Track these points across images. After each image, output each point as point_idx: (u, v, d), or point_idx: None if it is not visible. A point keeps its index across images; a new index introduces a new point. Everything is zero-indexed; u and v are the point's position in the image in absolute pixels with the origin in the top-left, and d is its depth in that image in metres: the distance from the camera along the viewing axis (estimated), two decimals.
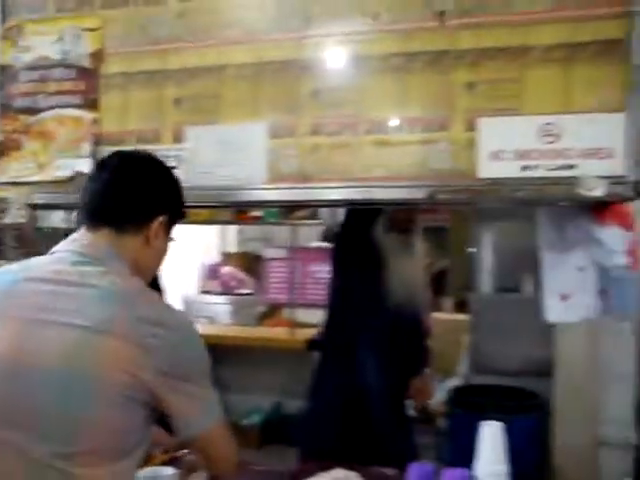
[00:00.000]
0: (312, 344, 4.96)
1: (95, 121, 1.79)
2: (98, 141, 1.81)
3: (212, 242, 7.42)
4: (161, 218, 1.33)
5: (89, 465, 1.17)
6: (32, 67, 1.85)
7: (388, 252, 2.40)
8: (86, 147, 1.81)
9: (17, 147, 1.86)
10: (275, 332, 5.38)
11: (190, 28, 1.73)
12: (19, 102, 1.87)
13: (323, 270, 6.57)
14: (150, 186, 1.35)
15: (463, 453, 1.65)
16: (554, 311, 1.86)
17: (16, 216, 1.86)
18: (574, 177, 1.52)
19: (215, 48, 1.73)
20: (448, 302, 5.57)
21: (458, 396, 2.75)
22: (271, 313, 6.60)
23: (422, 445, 3.29)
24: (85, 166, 1.81)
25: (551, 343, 2.66)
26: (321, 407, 2.50)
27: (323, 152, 1.65)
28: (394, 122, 1.61)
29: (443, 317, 5.40)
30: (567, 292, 1.85)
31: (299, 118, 1.66)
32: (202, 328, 5.44)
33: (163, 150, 1.74)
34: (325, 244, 6.88)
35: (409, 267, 2.41)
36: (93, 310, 1.20)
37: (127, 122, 1.77)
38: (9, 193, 1.87)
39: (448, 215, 5.00)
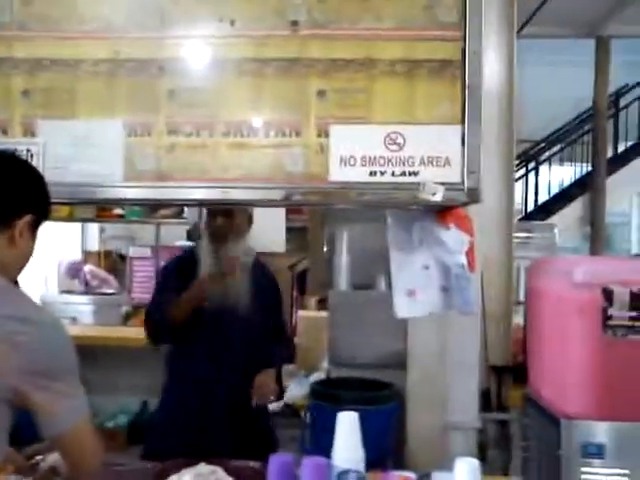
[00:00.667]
0: None
1: None
2: None
3: (73, 240, 7.12)
4: (27, 217, 1.31)
5: None
6: None
7: (209, 260, 2.45)
8: None
9: None
10: (138, 332, 5.25)
11: (40, 17, 1.67)
12: None
13: None
14: (15, 184, 1.33)
15: (324, 443, 1.72)
16: (402, 306, 1.98)
17: None
18: (416, 183, 1.64)
19: (70, 41, 1.68)
20: (312, 300, 5.73)
21: (319, 389, 2.85)
22: (136, 313, 6.45)
23: (288, 437, 3.38)
24: None
25: (404, 337, 2.83)
26: (174, 403, 2.51)
27: (180, 151, 1.66)
28: (250, 125, 1.66)
29: (308, 314, 5.56)
30: (413, 289, 1.98)
31: (156, 117, 1.66)
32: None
33: (12, 144, 1.68)
34: (190, 243, 6.85)
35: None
36: None
37: None
38: None
39: (308, 216, 5.14)
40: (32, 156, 1.67)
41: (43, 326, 1.27)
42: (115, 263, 7.39)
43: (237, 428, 2.42)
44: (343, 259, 3.04)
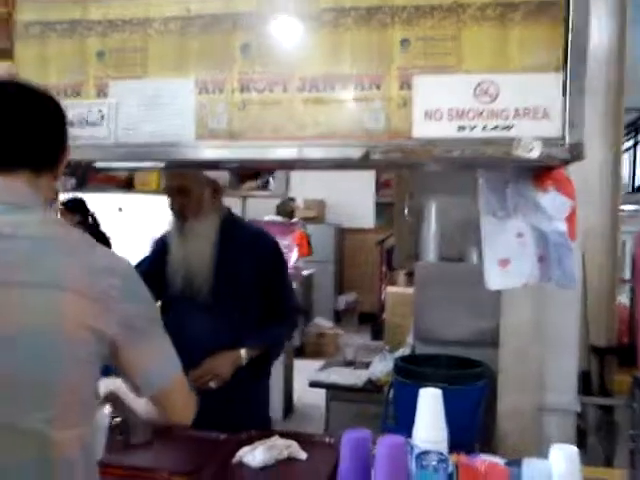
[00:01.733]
0: None
1: (10, 75, 1.68)
2: None
3: (164, 216, 7.29)
4: (65, 154, 1.26)
5: (66, 428, 1.10)
6: None
7: (176, 240, 2.31)
8: None
9: None
10: None
11: None
12: None
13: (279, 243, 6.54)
14: (55, 118, 1.26)
15: (407, 422, 1.64)
16: (494, 277, 1.84)
17: None
18: (510, 138, 1.47)
19: (141, 0, 1.63)
20: (401, 276, 5.59)
21: (403, 365, 2.73)
22: None
23: (370, 414, 3.32)
24: None
25: (497, 312, 2.66)
26: None
27: (253, 109, 1.57)
28: (327, 79, 1.54)
29: (396, 290, 5.44)
30: (506, 258, 1.83)
31: (228, 73, 1.58)
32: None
33: (85, 105, 1.65)
34: (279, 217, 6.86)
35: (194, 252, 2.25)
36: (41, 264, 1.10)
37: (47, 75, 1.66)
38: None
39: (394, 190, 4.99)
40: (103, 117, 1.63)
41: (128, 277, 1.21)
42: None
43: (228, 408, 2.23)
44: (431, 230, 2.89)
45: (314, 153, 1.56)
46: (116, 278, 1.16)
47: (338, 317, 8.61)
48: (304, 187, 7.80)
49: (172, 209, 2.28)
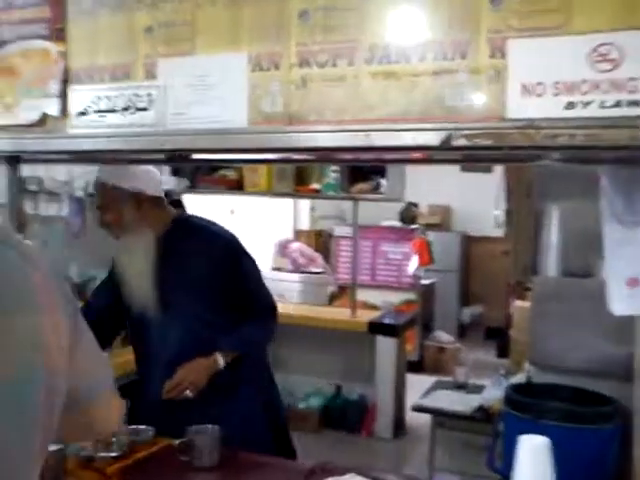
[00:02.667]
0: (373, 327, 4.69)
1: (63, 55, 1.55)
2: (67, 78, 1.57)
3: (286, 219, 7.24)
4: None
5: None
6: None
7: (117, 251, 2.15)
8: (54, 85, 1.57)
9: None
10: (337, 313, 5.12)
11: None
12: None
13: (396, 250, 6.26)
14: None
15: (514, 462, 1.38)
16: (619, 300, 1.49)
17: None
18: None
19: None
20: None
21: (515, 396, 2.36)
22: (341, 293, 6.34)
23: (480, 445, 2.95)
24: (53, 108, 1.58)
25: (630, 338, 2.23)
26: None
27: (313, 86, 1.32)
28: (400, 47, 1.26)
29: (524, 305, 4.95)
30: (636, 277, 1.46)
31: (285, 45, 1.34)
32: None
33: (133, 87, 1.48)
34: (398, 223, 6.56)
35: (130, 268, 2.10)
36: None
37: (97, 55, 1.52)
38: None
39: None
40: (152, 102, 1.46)
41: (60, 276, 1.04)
42: (325, 243, 7.40)
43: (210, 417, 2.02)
44: (552, 240, 2.48)
45: (384, 139, 1.28)
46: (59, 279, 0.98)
47: (462, 331, 8.14)
48: (426, 191, 7.43)
49: (100, 227, 2.14)
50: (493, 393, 3.01)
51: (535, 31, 1.16)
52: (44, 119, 1.59)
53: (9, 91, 1.62)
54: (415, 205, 6.99)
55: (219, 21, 1.39)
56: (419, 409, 3.22)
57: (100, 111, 1.53)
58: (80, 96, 1.55)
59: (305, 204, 7.14)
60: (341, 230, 6.21)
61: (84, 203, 3.96)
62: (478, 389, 3.31)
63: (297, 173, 4.36)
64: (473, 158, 2.00)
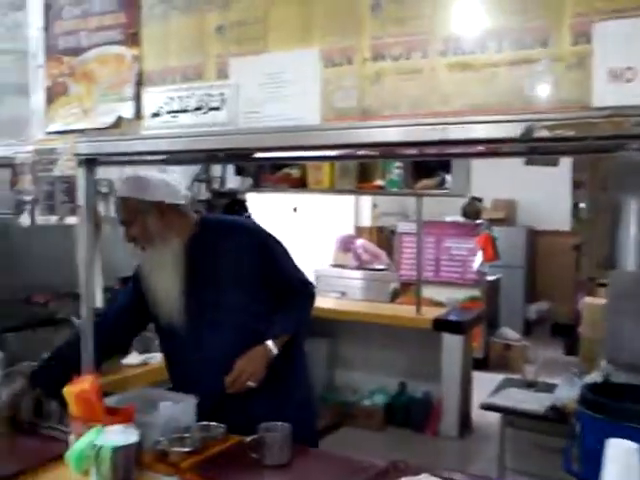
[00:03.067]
0: (438, 324, 4.63)
1: (136, 58, 1.58)
2: (140, 81, 1.60)
3: (346, 216, 7.23)
4: None
5: None
6: (74, 1, 1.67)
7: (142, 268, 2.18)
8: (128, 88, 1.60)
9: (63, 92, 1.70)
10: (401, 310, 5.08)
11: None
12: (63, 42, 1.71)
13: (460, 246, 6.16)
14: None
15: (595, 466, 1.34)
16: None
17: (65, 168, 1.71)
18: None
19: None
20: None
21: (591, 396, 2.28)
22: (404, 290, 6.29)
23: (553, 447, 2.87)
24: (128, 110, 1.61)
25: None
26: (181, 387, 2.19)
27: (388, 80, 1.30)
28: (476, 37, 1.22)
29: (594, 302, 4.79)
30: None
31: (358, 39, 1.32)
32: (331, 302, 5.30)
33: (205, 88, 1.49)
34: (463, 218, 6.45)
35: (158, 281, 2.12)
36: None
37: (168, 57, 1.54)
38: (57, 143, 1.72)
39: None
40: (225, 101, 1.46)
41: None
42: (387, 239, 7.35)
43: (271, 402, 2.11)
44: (631, 233, 2.38)
45: (461, 133, 1.25)
46: None
47: (528, 327, 7.95)
48: (492, 186, 7.27)
49: (127, 242, 2.16)
50: (566, 392, 2.91)
51: (623, 12, 1.10)
52: (119, 122, 1.63)
53: (87, 96, 1.66)
54: (479, 200, 6.85)
55: (291, 18, 1.39)
56: (488, 407, 3.15)
57: (173, 112, 1.55)
58: (153, 98, 1.58)
59: (366, 201, 7.12)
60: (404, 226, 6.15)
61: None
62: (549, 388, 3.21)
63: (360, 170, 4.33)
64: (542, 150, 1.94)
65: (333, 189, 4.41)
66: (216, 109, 1.48)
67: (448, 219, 6.19)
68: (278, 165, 4.55)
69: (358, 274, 6.60)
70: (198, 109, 1.50)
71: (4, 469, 1.67)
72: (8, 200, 1.88)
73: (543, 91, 1.17)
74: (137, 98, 1.60)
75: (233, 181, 4.68)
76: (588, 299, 5.26)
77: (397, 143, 1.34)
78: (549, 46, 1.16)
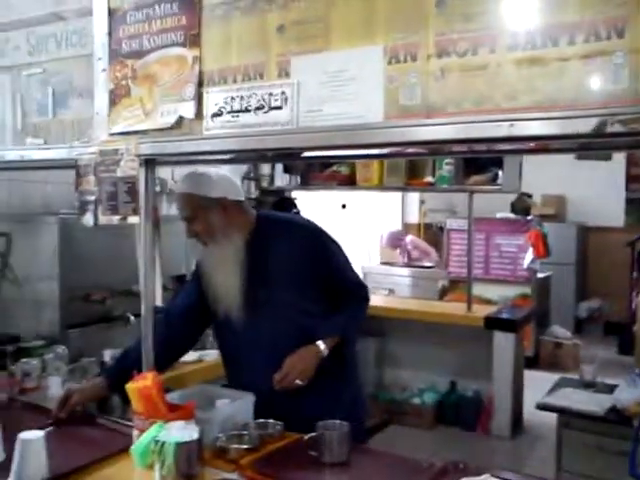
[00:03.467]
0: (490, 322, 4.56)
1: (197, 59, 1.59)
2: (201, 81, 1.61)
3: (394, 213, 7.20)
4: None
5: None
6: (138, 6, 1.70)
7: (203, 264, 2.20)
8: (189, 89, 1.62)
9: (126, 94, 1.73)
10: (451, 308, 5.03)
11: None
12: (126, 46, 1.74)
13: (510, 243, 6.06)
14: None
15: None
16: None
17: (127, 168, 1.74)
18: None
19: None
20: None
21: None
22: (452, 288, 6.23)
23: (614, 450, 2.80)
24: (189, 110, 1.62)
25: None
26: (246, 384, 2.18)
27: (453, 77, 1.28)
28: (546, 32, 1.19)
29: None
30: None
31: (423, 36, 1.30)
32: (380, 300, 5.28)
33: (267, 87, 1.50)
34: (513, 215, 6.35)
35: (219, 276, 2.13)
36: None
37: (229, 57, 1.55)
38: (120, 144, 1.75)
39: None
40: (286, 100, 1.47)
41: None
42: (435, 236, 7.29)
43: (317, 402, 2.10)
44: None
45: (529, 128, 1.22)
46: None
47: (579, 326, 7.78)
48: (541, 182, 7.13)
49: (189, 237, 2.16)
50: (628, 393, 2.83)
51: None
52: (180, 122, 1.65)
53: (149, 97, 1.69)
54: (529, 196, 6.74)
55: (353, 15, 1.38)
56: (544, 407, 3.08)
57: (234, 111, 1.56)
58: (214, 98, 1.59)
59: (414, 198, 7.07)
60: (453, 223, 6.08)
61: None
62: (607, 388, 3.13)
63: (409, 167, 4.31)
64: (597, 146, 1.89)
65: (382, 186, 4.39)
66: (278, 108, 1.48)
67: (498, 215, 6.09)
68: (326, 163, 4.55)
69: (406, 271, 6.55)
70: (259, 108, 1.51)
71: (73, 461, 1.71)
72: (72, 200, 1.93)
73: (618, 84, 1.14)
74: (198, 98, 1.61)
75: (281, 179, 4.71)
76: None
77: (461, 140, 1.31)
78: (625, 38, 1.12)
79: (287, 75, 1.48)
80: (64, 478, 1.64)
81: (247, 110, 1.53)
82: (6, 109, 2.06)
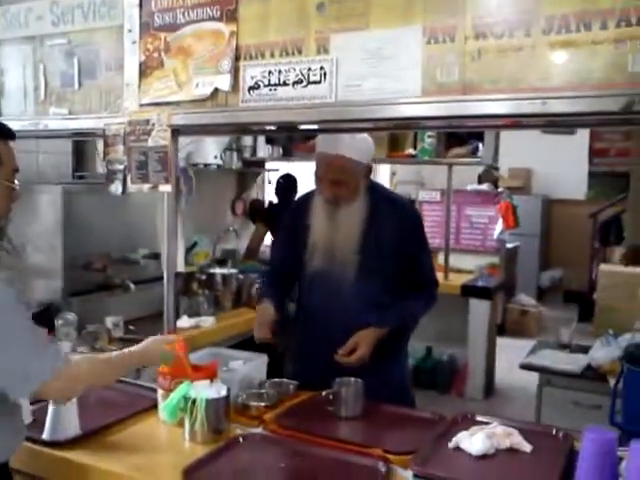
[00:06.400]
0: (466, 290, 4.74)
1: (234, 34, 1.65)
2: (237, 55, 1.67)
3: None
4: None
5: None
6: None
7: (323, 223, 2.15)
8: (225, 62, 1.68)
9: (158, 66, 1.78)
10: None
11: None
12: (159, 19, 1.78)
13: (480, 214, 6.24)
14: None
15: (637, 418, 1.40)
16: None
17: (159, 138, 1.79)
18: None
19: None
20: (617, 253, 5.05)
21: (637, 353, 2.40)
22: None
23: (588, 404, 3.01)
24: (225, 83, 1.69)
25: None
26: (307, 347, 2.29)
27: (489, 58, 1.38)
28: (580, 16, 1.30)
29: (611, 269, 4.90)
30: None
31: (461, 18, 1.40)
32: None
33: (305, 62, 1.57)
34: (483, 186, 6.52)
35: (342, 234, 2.13)
36: None
37: (267, 33, 1.61)
38: (152, 114, 1.80)
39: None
40: (325, 75, 1.55)
41: None
42: None
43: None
44: None
45: (561, 106, 1.33)
46: None
47: (541, 294, 8.09)
48: (508, 155, 7.34)
49: (325, 198, 2.14)
50: (602, 353, 3.04)
51: None
52: (215, 94, 1.71)
53: (183, 70, 1.74)
54: (496, 168, 6.91)
55: None
56: (527, 367, 3.27)
57: (271, 85, 1.62)
58: (251, 71, 1.66)
59: (385, 170, 7.17)
60: (425, 195, 6.21)
61: (188, 172, 4.13)
62: (582, 349, 3.34)
63: (391, 139, 4.40)
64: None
65: None
66: (316, 82, 1.55)
67: (469, 187, 6.25)
68: (308, 135, 4.60)
69: None
70: (298, 82, 1.58)
71: (100, 419, 1.78)
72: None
73: None
74: (235, 71, 1.67)
75: (263, 150, 4.75)
76: (604, 266, 5.37)
77: (496, 115, 1.42)
78: None
79: (326, 51, 1.55)
80: (94, 435, 1.72)
81: (285, 84, 1.60)
82: (27, 79, 2.08)
